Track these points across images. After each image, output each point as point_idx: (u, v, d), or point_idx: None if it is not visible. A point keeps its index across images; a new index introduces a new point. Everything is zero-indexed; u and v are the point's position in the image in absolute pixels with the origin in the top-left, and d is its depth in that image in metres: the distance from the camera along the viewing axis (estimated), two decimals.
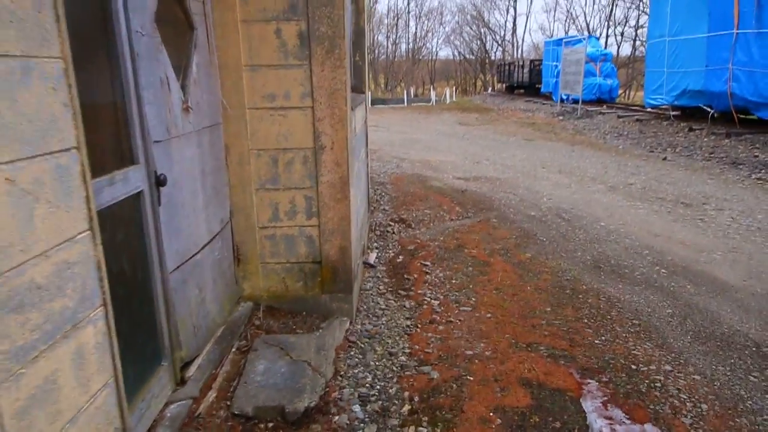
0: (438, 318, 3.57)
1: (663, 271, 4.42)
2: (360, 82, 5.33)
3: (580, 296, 3.91)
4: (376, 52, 46.60)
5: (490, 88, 38.50)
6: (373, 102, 27.67)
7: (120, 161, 2.08)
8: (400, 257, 4.81)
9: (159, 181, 2.29)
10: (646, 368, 2.93)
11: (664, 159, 9.90)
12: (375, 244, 5.19)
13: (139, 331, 2.24)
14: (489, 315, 3.60)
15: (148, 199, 2.24)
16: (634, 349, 3.14)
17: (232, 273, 3.33)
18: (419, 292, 4.01)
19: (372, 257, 4.76)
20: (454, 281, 4.20)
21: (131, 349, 2.17)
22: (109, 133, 2.09)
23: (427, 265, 4.55)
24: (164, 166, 2.39)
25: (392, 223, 5.82)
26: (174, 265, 2.48)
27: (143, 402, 2.18)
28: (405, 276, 4.34)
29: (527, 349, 3.13)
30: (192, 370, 2.62)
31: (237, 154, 3.25)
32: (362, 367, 2.97)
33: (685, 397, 2.68)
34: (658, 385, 2.78)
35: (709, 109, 11.87)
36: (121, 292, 2.10)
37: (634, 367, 2.95)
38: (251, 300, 3.49)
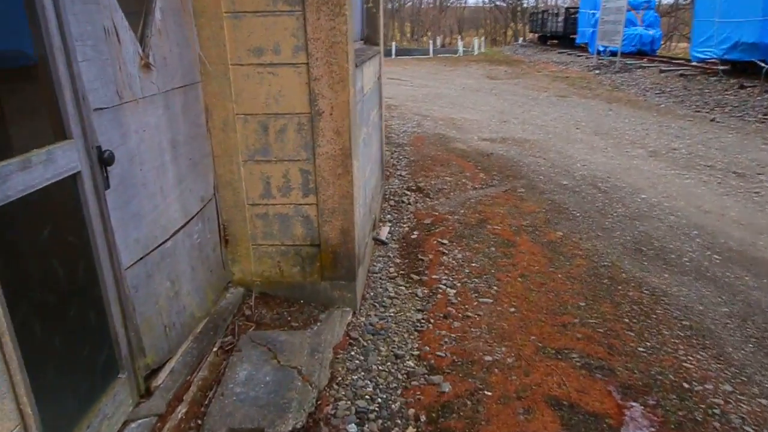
0: (453, 311, 3.11)
1: (716, 257, 3.85)
2: (373, 31, 4.71)
3: (620, 288, 3.39)
4: None
5: (521, 39, 36.57)
6: (397, 52, 26.52)
7: (40, 137, 1.61)
8: (415, 233, 4.33)
9: (104, 159, 1.83)
10: (700, 388, 2.45)
11: (712, 120, 9.02)
12: (388, 216, 4.71)
13: (83, 344, 1.84)
14: (512, 309, 3.13)
15: (89, 183, 1.79)
16: (685, 361, 2.64)
17: (218, 256, 2.90)
18: (434, 277, 3.55)
19: (384, 232, 4.30)
20: (473, 264, 3.72)
21: (72, 367, 1.78)
22: (20, 101, 1.62)
23: (444, 244, 4.06)
24: (114, 138, 1.92)
25: (408, 192, 5.31)
26: (133, 258, 2.05)
27: (89, 429, 1.80)
28: (419, 256, 3.87)
29: (556, 357, 2.66)
30: (162, 378, 2.24)
31: (220, 118, 2.76)
32: (363, 373, 2.56)
33: (750, 430, 2.20)
34: (717, 411, 2.30)
35: (763, 65, 10.77)
36: (52, 301, 1.69)
37: (686, 385, 2.46)
38: (242, 285, 3.09)
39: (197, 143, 2.63)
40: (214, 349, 2.57)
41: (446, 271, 3.62)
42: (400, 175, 5.89)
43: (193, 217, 2.57)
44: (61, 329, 1.73)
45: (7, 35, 1.61)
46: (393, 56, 25.25)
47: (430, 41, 33.98)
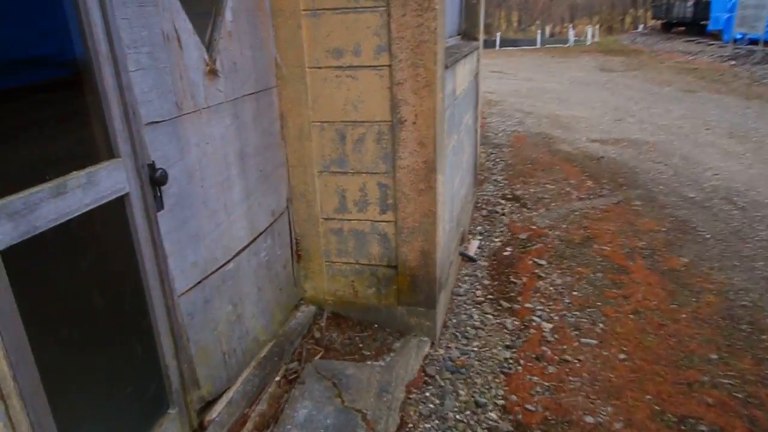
0: (548, 352, 2.68)
1: None
2: (472, 25, 4.30)
3: (764, 338, 2.74)
4: None
5: (641, 26, 33.52)
6: (502, 43, 25.44)
7: (81, 157, 1.46)
8: (508, 249, 3.89)
9: (156, 179, 1.66)
10: None
11: None
12: (479, 228, 4.31)
13: (128, 380, 1.70)
14: (622, 356, 2.62)
15: (138, 205, 1.63)
16: None
17: (289, 273, 2.72)
18: (527, 305, 3.12)
19: (473, 247, 3.91)
20: (575, 293, 3.23)
21: (116, 405, 1.64)
22: (57, 116, 1.48)
23: (541, 265, 3.60)
24: (170, 154, 1.75)
25: (503, 201, 4.85)
26: (189, 284, 1.89)
27: None
28: (511, 278, 3.45)
29: (679, 427, 2.15)
30: (217, 410, 2.07)
31: (296, 126, 2.54)
32: (437, 421, 2.23)
33: None
34: None
35: None
36: (92, 334, 1.55)
37: None
38: (314, 303, 2.88)
39: (270, 153, 2.44)
40: (277, 378, 2.37)
41: (542, 300, 3.17)
42: (495, 181, 5.43)
43: (261, 234, 2.39)
44: (103, 364, 1.59)
45: (43, 39, 1.48)
46: (497, 47, 24.27)
47: (539, 31, 32.25)
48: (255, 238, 2.34)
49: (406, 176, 2.51)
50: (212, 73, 1.97)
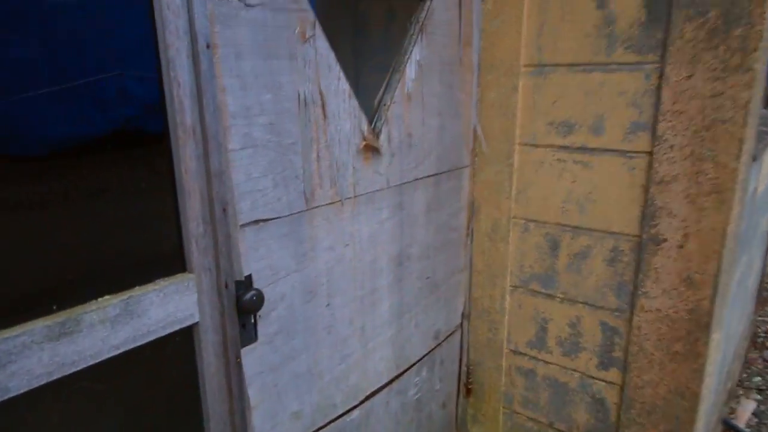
0: None
1: None
2: None
3: None
4: None
5: None
6: None
7: (124, 270, 1.00)
8: None
9: (244, 304, 1.13)
10: None
11: None
12: (756, 380, 2.89)
13: None
14: None
15: (213, 339, 1.11)
16: None
17: (450, 414, 1.98)
18: None
19: (745, 413, 2.57)
20: None
21: None
22: (100, 209, 1.03)
23: None
24: (282, 263, 1.22)
25: None
26: None
27: None
28: None
29: None
30: None
31: (489, 221, 1.83)
32: None
33: None
34: None
35: None
36: None
37: None
38: None
39: (445, 255, 1.77)
40: None
41: None
42: None
43: (414, 365, 1.72)
44: None
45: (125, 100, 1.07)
46: None
47: None
48: (403, 372, 1.68)
49: (652, 325, 1.56)
50: (370, 150, 1.40)
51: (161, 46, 0.94)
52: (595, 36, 1.51)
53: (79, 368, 0.90)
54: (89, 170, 0.98)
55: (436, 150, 1.64)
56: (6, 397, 0.82)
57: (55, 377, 0.87)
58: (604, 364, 1.70)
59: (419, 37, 1.49)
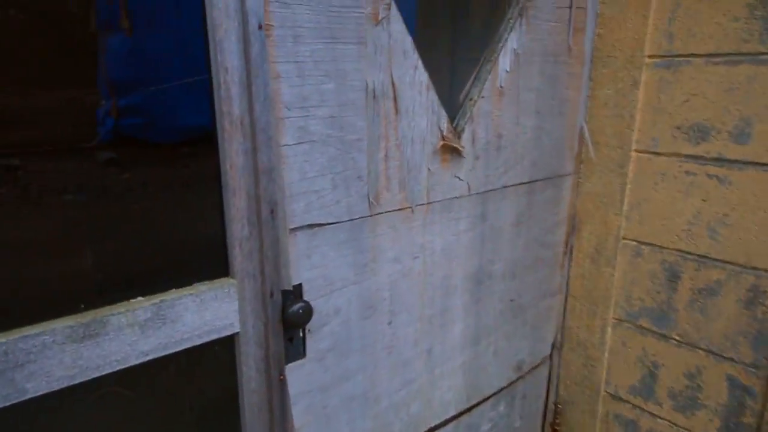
0: None
1: None
2: None
3: None
4: None
5: None
6: None
7: (162, 272, 0.92)
8: None
9: (289, 319, 1.02)
10: None
11: None
12: None
13: None
14: None
15: (254, 353, 1.01)
16: None
17: None
18: None
19: None
20: None
21: None
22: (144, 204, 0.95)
23: None
24: (339, 273, 1.09)
25: None
26: None
27: None
28: None
29: None
30: None
31: (593, 239, 1.56)
32: None
33: None
34: None
35: None
36: None
37: None
38: None
39: (536, 275, 1.54)
40: None
41: None
42: None
43: (489, 397, 1.52)
44: None
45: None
46: None
47: None
48: (475, 405, 1.48)
49: None
50: (450, 151, 1.22)
51: (209, 26, 0.85)
52: (745, 19, 1.20)
53: (103, 373, 0.84)
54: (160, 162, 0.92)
55: (531, 154, 1.42)
56: (23, 399, 0.77)
57: (76, 381, 0.81)
58: (730, 429, 1.37)
59: (519, 21, 1.28)
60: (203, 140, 0.91)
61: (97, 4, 0.83)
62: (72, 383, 0.81)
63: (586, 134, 1.50)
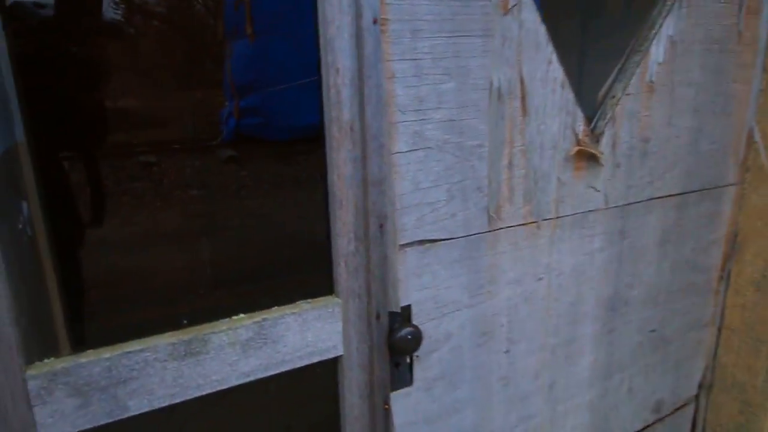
0: None
1: None
2: None
3: None
4: None
5: None
6: None
7: (268, 288, 0.86)
8: None
9: (396, 345, 0.92)
10: None
11: None
12: None
13: None
14: None
15: (358, 378, 0.93)
16: None
17: None
18: None
19: None
20: None
21: None
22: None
23: None
24: (450, 296, 0.98)
25: None
26: None
27: None
28: None
29: None
30: None
31: (759, 262, 1.29)
32: None
33: None
34: None
35: None
36: None
37: None
38: None
39: (683, 303, 1.30)
40: None
41: None
42: None
43: None
44: None
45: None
46: None
47: None
48: None
49: None
50: (585, 157, 1.05)
51: (320, 23, 0.77)
52: None
53: (203, 393, 0.80)
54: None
55: (685, 161, 1.19)
56: (124, 416, 0.75)
57: (177, 400, 0.78)
58: None
59: (677, 2, 1.07)
60: (317, 139, 0.87)
61: (224, 14, 0.83)
62: (172, 402, 0.78)
63: (758, 137, 1.23)
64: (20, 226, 0.93)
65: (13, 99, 0.93)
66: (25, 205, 0.99)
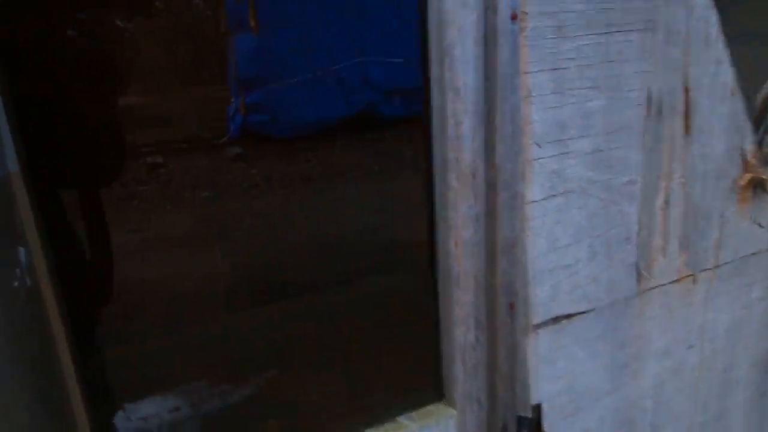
0: None
1: None
2: None
3: None
4: None
5: None
6: None
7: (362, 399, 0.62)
8: None
9: None
10: None
11: None
12: None
13: None
14: None
15: None
16: None
17: None
18: None
19: None
20: None
21: None
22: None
23: None
24: (589, 380, 0.72)
25: None
26: None
27: None
28: None
29: None
30: None
31: None
32: None
33: None
34: None
35: None
36: None
37: None
38: None
39: None
40: None
41: None
42: None
43: None
44: None
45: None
46: None
47: None
48: None
49: None
50: (751, 185, 0.78)
51: (430, 26, 0.51)
52: None
53: None
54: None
55: None
56: None
57: None
58: None
59: None
60: (323, 135, 0.86)
61: (226, 6, 0.76)
62: None
63: None
64: (15, 283, 0.69)
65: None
66: (22, 251, 0.76)
